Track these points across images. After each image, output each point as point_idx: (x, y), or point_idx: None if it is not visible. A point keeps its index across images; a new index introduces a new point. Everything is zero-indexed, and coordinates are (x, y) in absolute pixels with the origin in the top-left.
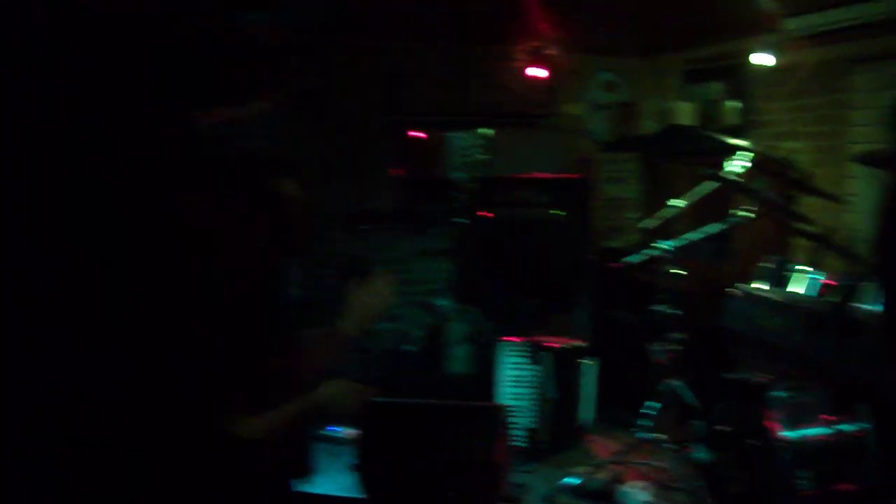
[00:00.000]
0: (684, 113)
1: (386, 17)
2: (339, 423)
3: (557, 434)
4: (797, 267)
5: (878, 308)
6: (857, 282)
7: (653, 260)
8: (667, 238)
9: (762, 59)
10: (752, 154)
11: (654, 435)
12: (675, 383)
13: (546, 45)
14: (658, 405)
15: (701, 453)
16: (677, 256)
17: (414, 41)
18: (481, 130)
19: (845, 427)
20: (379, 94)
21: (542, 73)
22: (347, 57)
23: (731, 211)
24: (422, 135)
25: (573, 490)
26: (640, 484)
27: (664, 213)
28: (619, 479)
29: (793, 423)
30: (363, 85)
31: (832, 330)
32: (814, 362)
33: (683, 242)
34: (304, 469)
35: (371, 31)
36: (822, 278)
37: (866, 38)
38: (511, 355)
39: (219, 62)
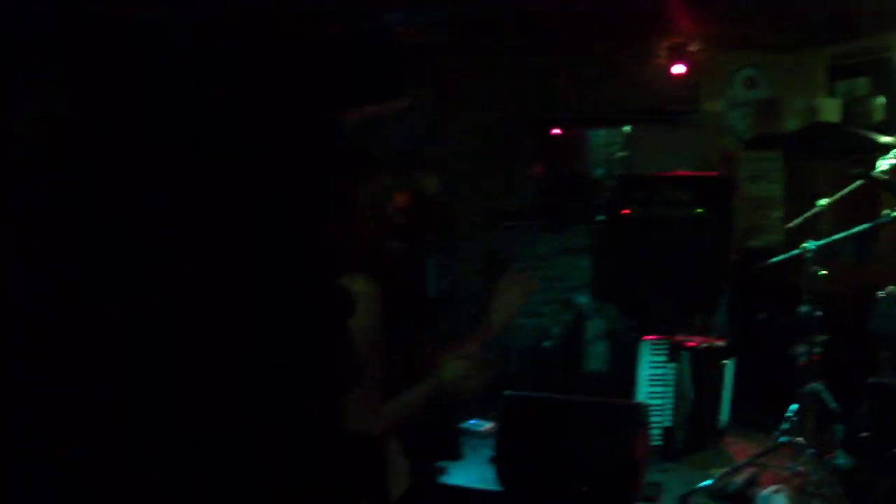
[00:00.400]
0: (829, 109)
1: (529, 15)
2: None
3: (694, 434)
4: None
5: None
6: None
7: (796, 260)
8: (811, 238)
9: None
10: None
11: (794, 438)
12: (817, 386)
13: (687, 41)
14: (798, 408)
15: (841, 459)
16: (819, 256)
17: (555, 40)
18: (623, 128)
19: None
20: (521, 93)
21: (683, 69)
22: (490, 56)
23: (883, 211)
24: (563, 132)
25: (710, 492)
26: (778, 488)
27: (810, 213)
28: (756, 483)
29: None
30: (506, 83)
31: None
32: None
33: (828, 242)
34: (453, 452)
35: (513, 30)
36: None
37: None
38: (650, 354)
39: (364, 62)
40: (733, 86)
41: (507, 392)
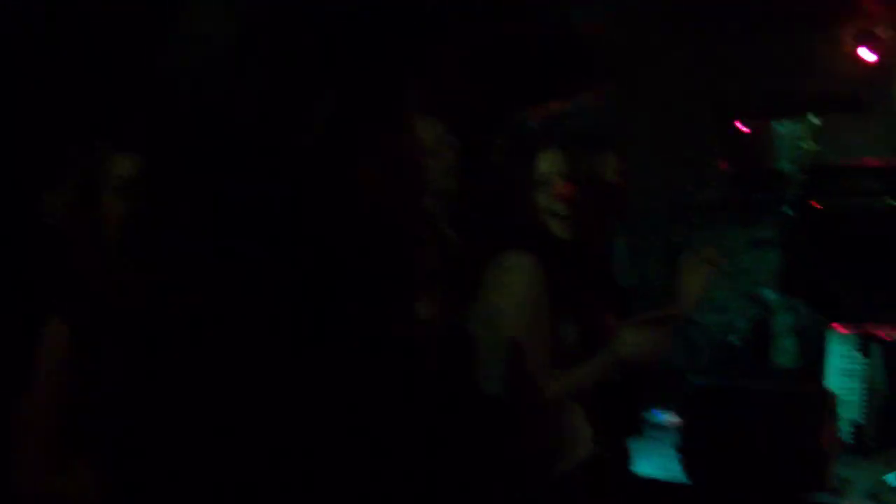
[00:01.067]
0: None
1: (709, 5)
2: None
3: (885, 429)
4: None
5: None
6: None
7: None
8: None
9: None
10: None
11: None
12: None
13: (876, 25)
14: None
15: None
16: None
17: (737, 29)
18: (810, 118)
19: None
20: (706, 84)
21: (872, 55)
22: (674, 47)
23: None
24: (750, 124)
25: None
26: None
27: None
28: None
29: None
30: (689, 75)
31: None
32: None
33: None
34: (636, 429)
35: (695, 21)
36: None
37: None
38: (840, 346)
39: (549, 60)
40: None
41: (694, 381)
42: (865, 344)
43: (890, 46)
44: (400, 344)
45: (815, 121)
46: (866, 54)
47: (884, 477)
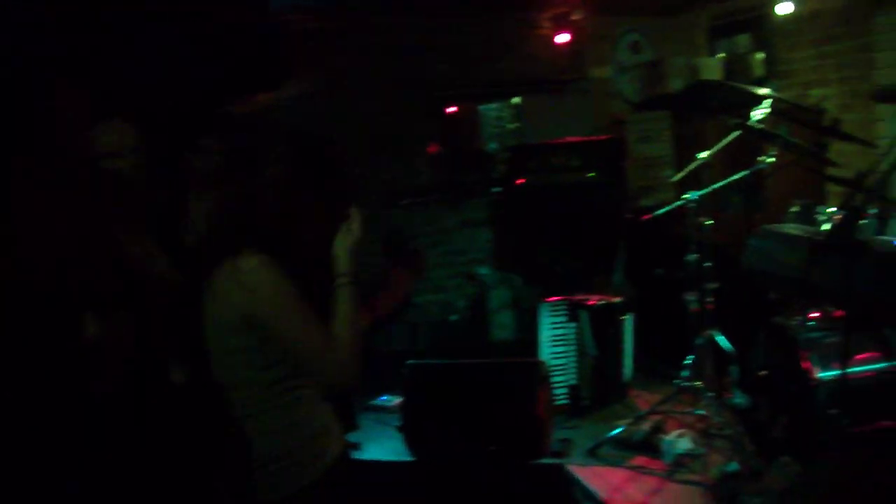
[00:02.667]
0: (711, 68)
1: None
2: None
3: (599, 390)
4: (827, 210)
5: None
6: (861, 209)
7: (682, 212)
8: (696, 190)
9: (785, 8)
10: (776, 101)
11: (693, 384)
12: (711, 332)
13: (571, 9)
14: (695, 356)
15: (739, 399)
16: (707, 207)
17: (439, 16)
18: (512, 100)
19: (880, 364)
20: (414, 71)
21: (567, 38)
22: (380, 36)
23: (758, 158)
24: (457, 109)
25: (616, 442)
26: (682, 432)
27: (692, 166)
28: (660, 429)
29: (828, 364)
30: (398, 63)
31: (836, 252)
32: (829, 290)
33: (709, 192)
34: (351, 424)
35: (401, 8)
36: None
37: None
38: (551, 316)
39: (248, 51)
40: (619, 51)
41: (409, 361)
42: (573, 311)
43: (584, 29)
44: (61, 362)
45: (517, 102)
46: (563, 38)
47: (608, 434)
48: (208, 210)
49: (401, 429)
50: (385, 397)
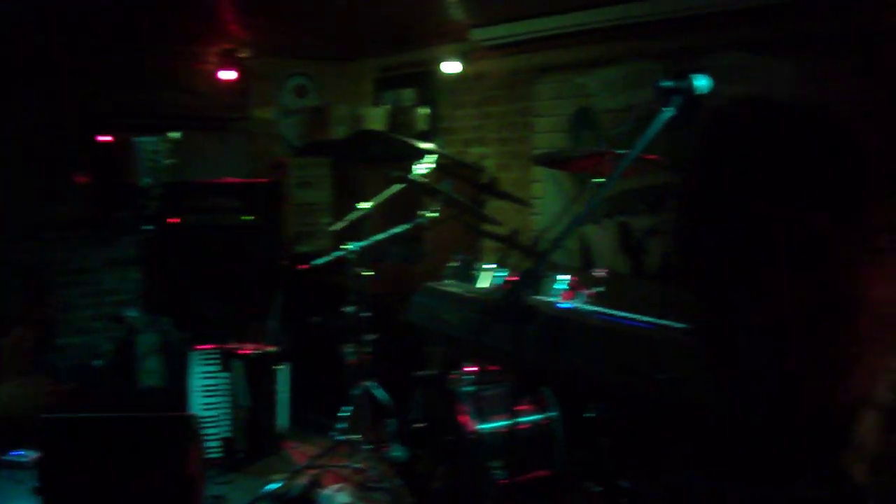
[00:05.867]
0: (376, 118)
1: (73, 13)
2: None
3: (254, 442)
4: (484, 266)
5: (552, 299)
6: (533, 273)
7: (341, 262)
8: (356, 240)
9: (451, 67)
10: (439, 156)
11: (350, 436)
12: (369, 384)
13: (238, 47)
14: (352, 407)
15: (397, 452)
16: (366, 258)
17: (102, 39)
18: (169, 134)
19: (534, 417)
20: (65, 95)
21: (232, 75)
22: (38, 52)
23: (418, 212)
24: (110, 138)
25: (273, 497)
26: (340, 486)
27: (352, 216)
28: (318, 484)
29: (485, 416)
30: (48, 84)
31: (507, 317)
32: (495, 351)
33: (370, 243)
34: None
35: (58, 27)
36: (505, 274)
37: (548, 50)
38: (202, 364)
39: None
40: (283, 93)
41: (43, 416)
42: (226, 360)
43: (250, 69)
44: None
45: (176, 137)
46: (228, 75)
47: (264, 488)
48: None
49: (38, 491)
50: (20, 452)
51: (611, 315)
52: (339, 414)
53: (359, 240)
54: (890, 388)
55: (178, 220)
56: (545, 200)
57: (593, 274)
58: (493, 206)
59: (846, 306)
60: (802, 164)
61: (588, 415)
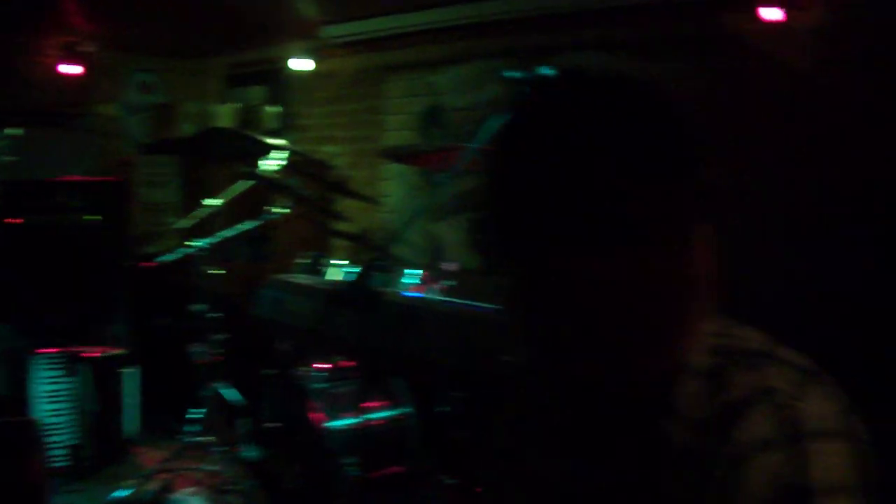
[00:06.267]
0: (225, 116)
1: None
2: None
3: (102, 448)
4: (332, 262)
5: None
6: (378, 263)
7: (189, 261)
8: (202, 238)
9: (301, 64)
10: (288, 153)
11: (202, 439)
12: (220, 385)
13: (81, 40)
14: (204, 409)
15: (250, 452)
16: (214, 257)
17: None
18: (8, 130)
19: (388, 412)
20: None
21: (76, 70)
22: None
23: (265, 208)
24: None
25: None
26: (192, 490)
27: (199, 213)
28: (169, 488)
29: (337, 413)
30: None
31: (353, 304)
32: (344, 341)
33: (217, 241)
34: None
35: None
36: (357, 270)
37: (398, 48)
38: (46, 369)
39: None
40: (129, 90)
41: None
42: (71, 364)
43: (94, 63)
44: None
45: (15, 133)
46: (70, 69)
47: (112, 494)
48: None
49: None
50: None
51: (457, 302)
52: (191, 416)
53: (206, 237)
54: (708, 353)
55: (19, 221)
56: (395, 198)
57: (443, 268)
58: (344, 205)
59: (661, 275)
60: (616, 134)
61: (441, 409)
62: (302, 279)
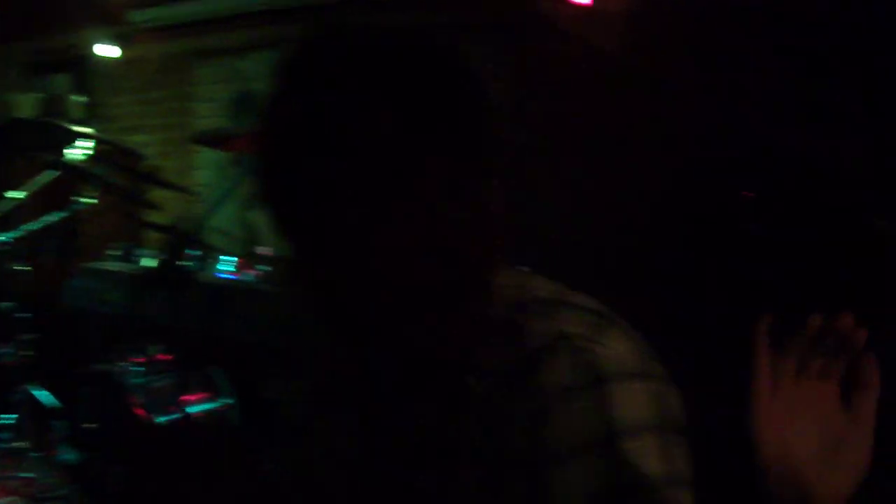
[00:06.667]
0: (26, 106)
1: None
2: None
3: None
4: (145, 252)
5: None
6: (184, 240)
7: None
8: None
9: (107, 51)
10: (94, 141)
11: (16, 445)
12: (31, 387)
13: None
14: (15, 413)
15: (68, 455)
16: (21, 252)
17: None
18: None
19: (209, 405)
20: None
21: None
22: None
23: (72, 198)
24: None
25: None
26: (8, 500)
27: (2, 207)
28: None
29: (157, 409)
30: None
31: (163, 284)
32: (155, 324)
33: (21, 234)
34: None
35: None
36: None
37: (207, 34)
38: None
39: None
40: None
41: None
42: None
43: None
44: None
45: None
46: None
47: None
48: None
49: None
50: None
51: (269, 282)
52: (1, 422)
53: (10, 232)
54: (504, 305)
55: None
56: (208, 187)
57: (258, 253)
58: (157, 196)
59: (449, 230)
60: (397, 91)
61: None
62: (113, 266)
